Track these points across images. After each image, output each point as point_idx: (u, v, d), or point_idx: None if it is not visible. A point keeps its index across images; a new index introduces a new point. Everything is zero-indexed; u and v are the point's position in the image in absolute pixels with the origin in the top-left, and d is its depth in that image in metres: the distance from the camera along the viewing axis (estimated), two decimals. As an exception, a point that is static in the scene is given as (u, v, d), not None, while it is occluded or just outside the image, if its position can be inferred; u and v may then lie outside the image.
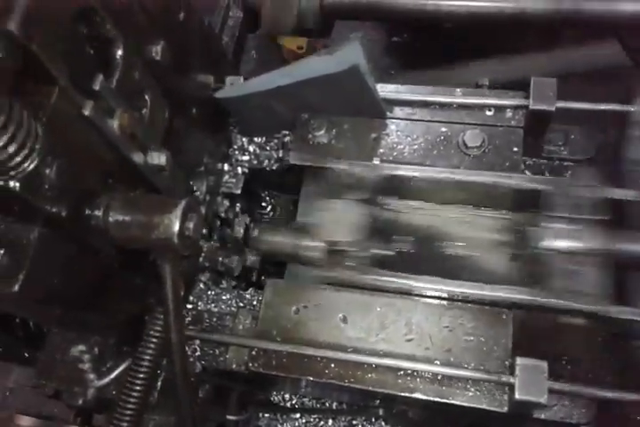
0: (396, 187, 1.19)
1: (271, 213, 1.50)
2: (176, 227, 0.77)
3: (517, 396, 0.94)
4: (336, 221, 1.06)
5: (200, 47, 1.20)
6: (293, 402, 1.48)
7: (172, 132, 1.09)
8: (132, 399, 0.91)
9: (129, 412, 0.91)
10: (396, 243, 1.18)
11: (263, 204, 1.50)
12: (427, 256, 1.17)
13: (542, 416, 1.06)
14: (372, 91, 1.20)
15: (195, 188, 1.23)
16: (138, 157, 0.86)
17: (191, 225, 0.79)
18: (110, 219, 0.81)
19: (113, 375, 0.99)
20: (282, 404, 1.48)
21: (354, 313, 1.09)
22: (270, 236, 1.26)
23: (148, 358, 0.92)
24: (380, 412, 1.31)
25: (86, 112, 0.74)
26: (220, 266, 1.21)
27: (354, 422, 1.45)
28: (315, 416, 1.46)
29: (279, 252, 1.24)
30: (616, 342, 1.16)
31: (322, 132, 1.24)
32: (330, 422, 1.46)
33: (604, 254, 1.05)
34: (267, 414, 1.47)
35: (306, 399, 1.47)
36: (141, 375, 0.92)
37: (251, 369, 1.07)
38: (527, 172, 1.28)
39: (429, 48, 2.36)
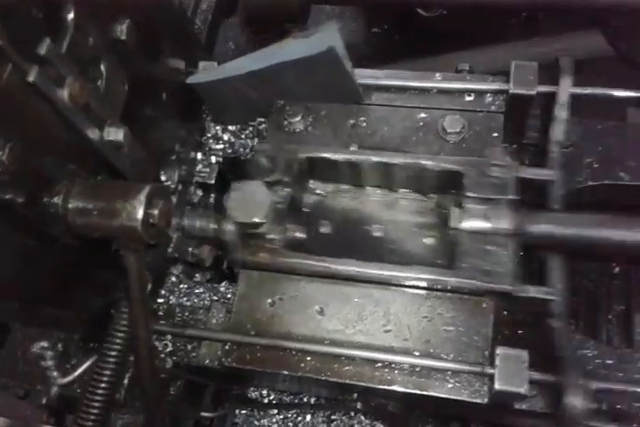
0: (320, 170, 1.17)
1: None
2: (140, 214, 0.73)
3: (497, 386, 0.91)
4: (247, 202, 1.02)
5: (170, 30, 1.15)
6: (271, 398, 1.45)
7: (140, 117, 1.04)
8: (97, 397, 0.87)
9: (94, 411, 0.86)
10: (316, 226, 1.15)
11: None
12: (348, 239, 1.15)
13: (523, 407, 1.04)
14: (349, 75, 1.16)
15: (166, 177, 1.19)
16: (93, 133, 0.80)
17: (156, 212, 0.74)
18: (70, 206, 0.77)
19: (77, 373, 0.94)
20: (259, 400, 1.44)
21: (331, 305, 1.05)
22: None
23: (113, 354, 0.88)
24: (358, 405, 1.28)
25: (31, 78, 0.68)
26: (190, 257, 1.17)
27: (332, 417, 1.41)
28: (293, 412, 1.43)
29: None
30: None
31: (298, 118, 1.20)
32: (308, 417, 1.42)
33: (517, 234, 1.04)
34: (243, 411, 1.44)
35: (284, 395, 1.44)
36: (107, 372, 0.88)
37: (224, 364, 1.03)
38: (507, 158, 1.26)
39: (409, 39, 2.34)
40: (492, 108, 1.17)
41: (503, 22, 2.12)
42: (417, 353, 1.00)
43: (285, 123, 1.20)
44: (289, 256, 1.06)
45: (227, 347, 1.03)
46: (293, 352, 1.01)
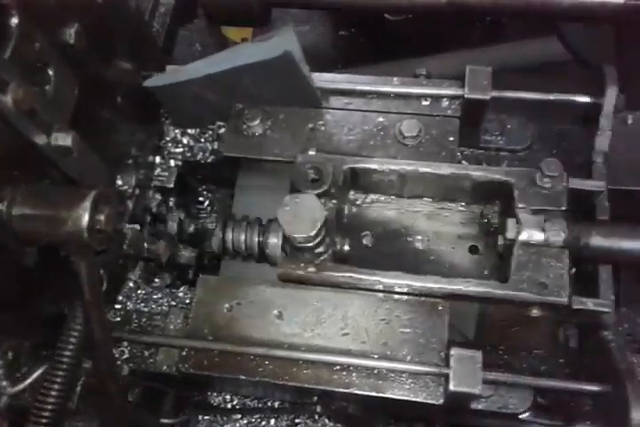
0: (359, 181, 1.15)
1: (209, 208, 1.45)
2: (85, 220, 0.71)
3: (452, 387, 0.92)
4: (299, 216, 0.98)
5: (126, 33, 1.14)
6: (234, 403, 1.44)
7: (93, 121, 1.02)
8: (48, 406, 0.85)
9: (44, 420, 0.84)
10: (357, 238, 1.15)
11: (200, 198, 1.45)
12: (389, 251, 1.14)
13: (480, 407, 1.05)
14: (306, 79, 1.16)
15: (122, 181, 1.17)
16: (39, 138, 0.78)
17: (102, 218, 0.73)
18: (14, 213, 0.75)
19: (28, 381, 0.92)
20: (222, 405, 1.43)
21: (290, 309, 1.05)
22: (233, 233, 1.14)
23: (65, 360, 0.86)
24: (318, 409, 1.29)
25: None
26: (145, 253, 1.15)
27: (296, 421, 1.41)
28: (257, 416, 1.42)
29: (234, 249, 1.16)
30: (583, 332, 1.18)
31: (256, 122, 1.20)
32: (272, 421, 1.42)
33: (571, 246, 1.04)
34: (206, 417, 1.42)
35: (247, 400, 1.43)
36: (58, 380, 0.86)
37: (181, 370, 1.02)
38: (464, 162, 1.28)
39: (376, 42, 2.36)
40: (449, 112, 1.19)
41: (468, 27, 2.16)
42: (374, 355, 1.00)
43: (244, 127, 1.20)
44: (337, 270, 1.03)
45: (184, 353, 1.02)
46: (251, 357, 1.01)
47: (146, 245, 1.14)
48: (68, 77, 0.87)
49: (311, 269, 1.01)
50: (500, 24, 2.14)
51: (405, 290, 1.02)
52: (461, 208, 1.17)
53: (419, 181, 1.13)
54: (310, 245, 1.00)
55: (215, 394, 1.43)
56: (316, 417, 1.40)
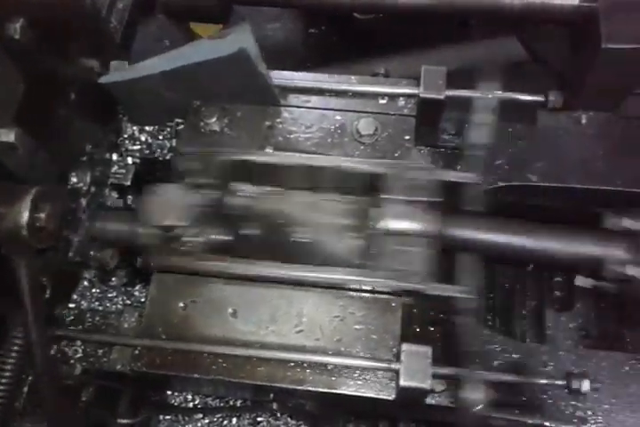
0: (243, 172, 1.16)
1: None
2: (24, 217, 0.70)
3: (402, 382, 0.93)
4: (165, 205, 1.01)
5: (79, 29, 1.13)
6: (196, 402, 1.43)
7: (43, 117, 1.01)
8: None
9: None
10: (242, 229, 1.15)
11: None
12: (273, 242, 1.15)
13: (433, 402, 1.07)
14: (262, 76, 1.16)
15: (77, 178, 1.16)
16: (-20, 134, 0.77)
17: (43, 215, 0.72)
18: (-48, 210, 0.73)
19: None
20: (184, 405, 1.42)
21: (245, 306, 1.05)
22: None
23: (10, 361, 0.85)
24: (274, 406, 1.29)
25: None
26: (92, 261, 1.14)
27: (259, 419, 1.41)
28: (218, 416, 1.42)
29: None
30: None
31: (214, 119, 1.19)
32: (234, 420, 1.41)
33: (434, 236, 1.07)
34: (167, 416, 1.41)
35: (209, 399, 1.43)
36: (3, 380, 0.84)
37: (134, 369, 1.01)
38: (423, 161, 1.29)
39: (347, 40, 2.36)
40: (405, 111, 1.20)
41: (437, 27, 2.18)
42: (328, 352, 1.01)
43: (201, 124, 1.19)
44: (207, 259, 1.05)
45: (136, 352, 1.01)
46: (205, 355, 1.01)
47: (92, 252, 1.13)
48: (11, 73, 0.86)
49: (184, 258, 1.03)
50: (468, 24, 2.17)
51: (274, 278, 1.06)
52: (344, 199, 1.18)
53: (302, 174, 1.14)
54: (182, 235, 1.00)
55: (176, 394, 1.43)
56: (278, 415, 1.40)
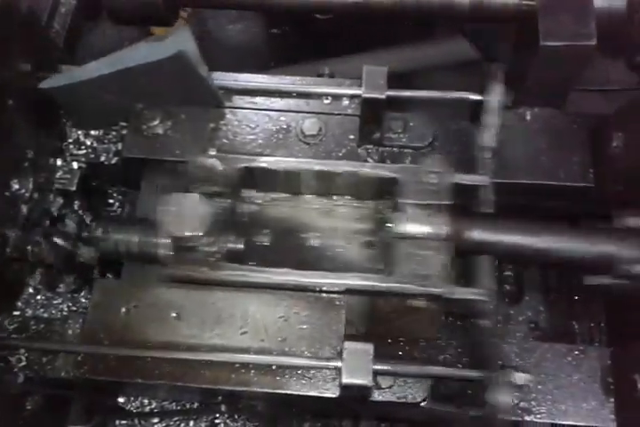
0: (254, 179, 1.15)
1: (119, 210, 1.42)
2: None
3: (343, 380, 0.94)
4: (182, 215, 0.99)
5: (15, 35, 1.11)
6: (152, 406, 1.42)
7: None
8: None
9: None
10: (254, 236, 1.15)
11: (110, 200, 1.42)
12: (286, 248, 1.15)
13: (380, 398, 1.08)
14: (203, 79, 1.16)
15: (19, 185, 1.14)
16: None
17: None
18: None
19: None
20: (140, 409, 1.41)
21: (188, 310, 1.05)
22: (111, 233, 1.17)
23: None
24: (223, 408, 1.29)
25: None
26: (31, 256, 1.12)
27: (216, 421, 1.41)
28: (175, 419, 1.41)
29: (123, 250, 1.17)
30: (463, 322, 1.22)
31: (156, 122, 1.19)
32: (191, 423, 1.41)
33: (452, 239, 1.07)
34: (123, 421, 1.40)
35: (165, 402, 1.42)
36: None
37: (77, 376, 1.00)
38: (369, 159, 1.30)
39: (308, 40, 2.37)
40: (349, 111, 1.21)
41: (396, 26, 2.20)
42: (273, 353, 1.01)
43: (144, 127, 1.19)
44: (225, 268, 1.03)
45: (79, 358, 1.01)
46: (148, 360, 1.00)
47: (29, 247, 1.11)
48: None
49: (202, 268, 1.02)
50: (426, 24, 2.19)
51: (294, 286, 1.04)
52: (357, 204, 1.19)
53: (314, 179, 1.14)
54: (198, 244, 1.00)
55: (132, 398, 1.42)
56: (236, 417, 1.40)
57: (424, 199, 1.08)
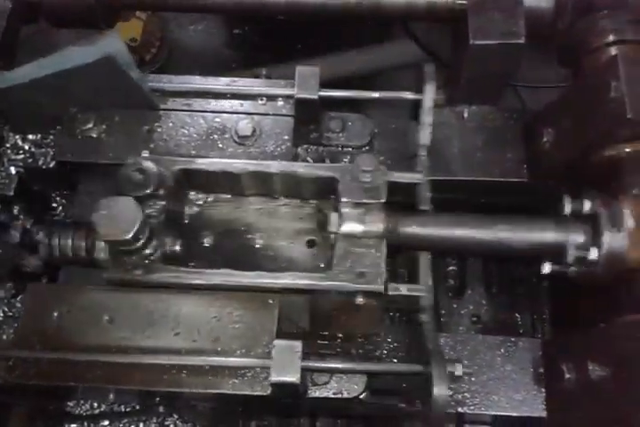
0: (193, 181, 1.16)
1: (62, 214, 1.42)
2: None
3: (272, 378, 0.95)
4: (114, 218, 0.99)
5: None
6: (102, 409, 1.42)
7: None
8: None
9: None
10: (196, 238, 1.16)
11: (54, 204, 1.42)
12: (228, 249, 1.16)
13: (316, 394, 1.09)
14: (134, 82, 1.16)
15: (-50, 192, 1.13)
16: None
17: None
18: None
19: None
20: (89, 412, 1.41)
21: (121, 312, 1.05)
22: (49, 238, 1.17)
23: None
24: (161, 409, 1.30)
25: None
26: None
27: (166, 423, 1.41)
28: (125, 421, 1.41)
29: (61, 255, 1.16)
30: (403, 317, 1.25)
31: (90, 125, 1.19)
32: (141, 425, 1.41)
33: (388, 236, 1.09)
34: (73, 425, 1.40)
35: (114, 405, 1.42)
36: None
37: (8, 381, 1.00)
38: (309, 159, 1.32)
39: (271, 40, 2.37)
40: (283, 111, 1.22)
41: (357, 28, 2.21)
42: (205, 353, 1.02)
43: (78, 131, 1.19)
44: (160, 271, 1.04)
45: (10, 363, 1.01)
46: (80, 363, 1.01)
47: None
48: None
49: (137, 271, 1.02)
50: (387, 25, 2.21)
51: (230, 287, 1.04)
52: (300, 204, 1.21)
53: (254, 180, 1.15)
54: (133, 247, 1.00)
55: (82, 402, 1.42)
56: (186, 418, 1.40)
57: (359, 198, 1.09)
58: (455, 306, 1.43)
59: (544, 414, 1.10)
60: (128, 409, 1.42)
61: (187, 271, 1.03)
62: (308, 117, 1.24)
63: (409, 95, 1.26)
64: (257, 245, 1.17)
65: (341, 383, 1.10)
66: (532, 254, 1.11)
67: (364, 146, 1.32)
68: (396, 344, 1.17)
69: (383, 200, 1.09)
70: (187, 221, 1.18)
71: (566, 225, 1.07)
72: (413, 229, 1.09)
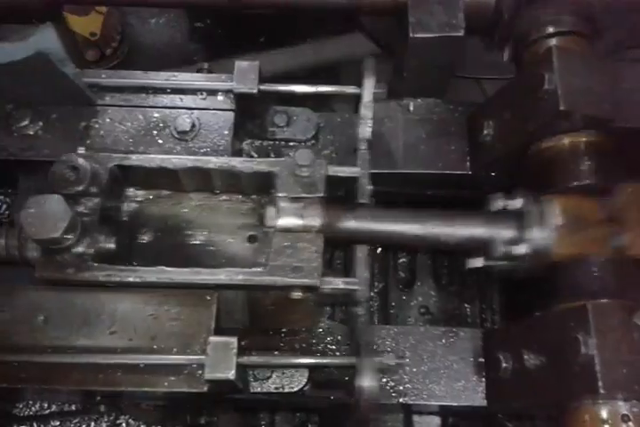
0: (131, 177, 1.14)
1: (6, 213, 1.40)
2: None
3: (206, 375, 0.95)
4: (43, 217, 0.97)
5: None
6: (52, 409, 1.41)
7: None
8: None
9: None
10: (135, 235, 1.14)
11: (-2, 203, 1.40)
12: (168, 246, 1.15)
13: (259, 389, 1.10)
14: (69, 78, 1.14)
15: None
16: None
17: None
18: None
19: None
20: (39, 413, 1.40)
21: (56, 312, 1.03)
22: None
23: None
24: (102, 408, 1.29)
25: None
26: None
27: (118, 422, 1.40)
28: (75, 421, 1.40)
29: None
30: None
31: (26, 122, 1.17)
32: (92, 424, 1.40)
33: (325, 231, 1.09)
34: (23, 426, 1.39)
35: (65, 405, 1.41)
36: None
37: (-61, 384, 0.98)
38: (254, 154, 1.31)
39: (233, 33, 2.35)
40: (224, 106, 1.21)
41: (325, 19, 2.19)
42: (141, 352, 1.01)
43: (14, 128, 1.16)
44: (93, 269, 1.01)
45: (-60, 365, 0.99)
46: (15, 364, 0.99)
47: None
48: None
49: (69, 270, 1.01)
50: (355, 18, 2.19)
51: (166, 284, 1.04)
52: (241, 199, 1.20)
53: (193, 176, 1.14)
54: (64, 245, 0.99)
55: (31, 402, 1.40)
56: (137, 416, 1.40)
57: (297, 192, 1.09)
58: (404, 298, 1.44)
59: (484, 403, 1.12)
60: (80, 408, 1.41)
61: (119, 269, 1.02)
62: (249, 112, 1.23)
63: (350, 89, 1.25)
64: (197, 242, 1.16)
65: (283, 378, 1.10)
66: (463, 249, 1.12)
67: (308, 140, 1.32)
68: (339, 337, 1.17)
69: (322, 194, 1.08)
70: (125, 219, 1.16)
71: (495, 221, 1.09)
72: (350, 223, 1.09)
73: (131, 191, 1.18)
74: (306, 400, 1.14)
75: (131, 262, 1.12)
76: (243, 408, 1.41)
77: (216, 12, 2.00)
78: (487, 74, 1.96)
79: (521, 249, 1.04)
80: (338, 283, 1.03)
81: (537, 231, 1.04)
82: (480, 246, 1.12)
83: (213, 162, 1.11)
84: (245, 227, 1.19)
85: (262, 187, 1.17)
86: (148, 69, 1.26)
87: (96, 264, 1.02)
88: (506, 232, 1.07)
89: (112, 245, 1.08)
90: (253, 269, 1.04)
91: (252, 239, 1.18)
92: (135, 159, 1.10)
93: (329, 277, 1.03)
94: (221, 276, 1.03)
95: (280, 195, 1.08)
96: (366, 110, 1.19)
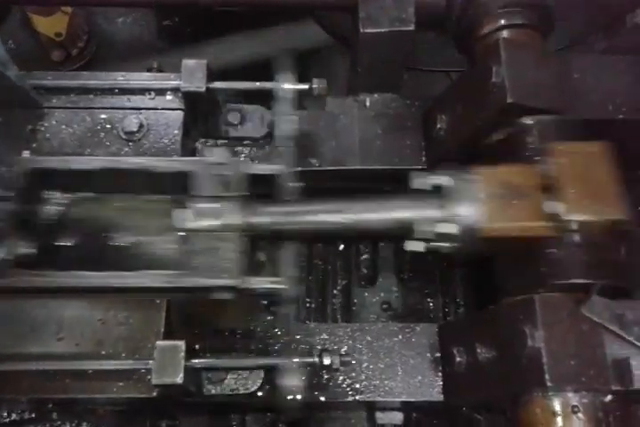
0: (53, 180, 1.11)
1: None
2: None
3: (153, 380, 0.94)
4: None
5: None
6: (13, 418, 1.39)
7: None
8: None
9: None
10: (58, 239, 1.12)
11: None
12: (90, 249, 1.12)
13: (213, 392, 1.09)
14: (11, 80, 1.11)
15: None
16: None
17: None
18: None
19: None
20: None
21: (2, 320, 1.02)
22: None
23: None
24: (55, 416, 1.27)
25: None
26: None
27: (80, 427, 1.39)
28: (38, 427, 1.38)
29: None
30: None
31: (-31, 127, 1.14)
32: (55, 430, 1.39)
33: (244, 229, 1.04)
34: (-20, 435, 1.36)
35: (25, 413, 1.38)
36: None
37: None
38: (230, 156, 1.28)
39: (203, 31, 2.32)
40: (173, 105, 1.20)
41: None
42: (88, 357, 1.00)
43: (-44, 133, 1.14)
44: (12, 275, 0.97)
45: None
46: (-42, 374, 0.98)
47: None
48: None
49: None
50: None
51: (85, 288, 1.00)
52: (166, 200, 1.15)
53: (113, 177, 1.10)
54: None
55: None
56: (97, 421, 1.38)
57: (215, 192, 1.04)
58: (367, 295, 1.44)
59: (441, 398, 1.12)
60: (39, 416, 1.39)
61: (36, 274, 0.97)
62: (200, 111, 1.21)
63: (289, 86, 1.23)
64: (122, 244, 1.12)
65: (239, 380, 1.09)
66: (395, 233, 1.08)
67: (262, 138, 1.31)
68: (297, 337, 1.16)
69: (242, 193, 1.05)
70: (46, 223, 1.12)
71: (420, 201, 1.04)
72: (266, 219, 1.05)
73: (51, 194, 1.13)
74: (262, 401, 1.12)
75: (56, 267, 1.08)
76: (211, 411, 1.40)
77: (184, 9, 1.97)
78: (458, 66, 1.96)
79: (450, 227, 0.99)
80: (263, 283, 1.00)
81: (463, 207, 0.98)
82: (411, 229, 1.04)
83: (127, 162, 1.07)
84: (171, 228, 1.16)
85: (183, 187, 1.14)
86: (115, 69, 1.24)
87: (12, 270, 0.98)
88: (432, 211, 1.02)
89: (33, 250, 1.04)
90: (176, 272, 0.99)
91: (177, 241, 1.14)
92: (51, 161, 1.05)
93: (253, 277, 1.00)
94: (145, 279, 0.98)
95: (197, 195, 1.04)
96: (282, 106, 1.16)
